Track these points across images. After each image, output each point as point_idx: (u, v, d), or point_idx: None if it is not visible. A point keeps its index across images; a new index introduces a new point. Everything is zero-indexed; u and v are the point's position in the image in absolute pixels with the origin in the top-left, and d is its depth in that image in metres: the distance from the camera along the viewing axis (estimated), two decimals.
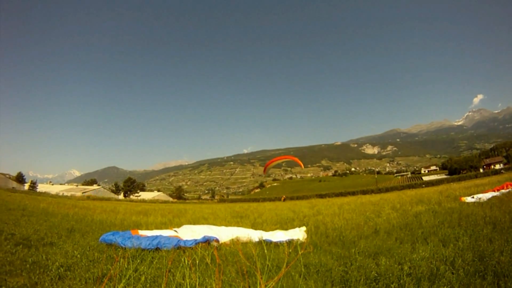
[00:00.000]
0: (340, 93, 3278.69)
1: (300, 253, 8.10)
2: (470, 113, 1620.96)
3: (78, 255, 11.50)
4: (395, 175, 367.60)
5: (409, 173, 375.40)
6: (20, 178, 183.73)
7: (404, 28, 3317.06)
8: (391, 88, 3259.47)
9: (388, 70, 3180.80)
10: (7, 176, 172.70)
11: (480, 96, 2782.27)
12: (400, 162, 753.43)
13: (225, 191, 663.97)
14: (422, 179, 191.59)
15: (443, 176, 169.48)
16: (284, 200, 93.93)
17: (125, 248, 12.74)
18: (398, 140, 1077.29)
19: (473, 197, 24.25)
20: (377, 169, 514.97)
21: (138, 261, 10.72)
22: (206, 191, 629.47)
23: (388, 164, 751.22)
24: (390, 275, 8.51)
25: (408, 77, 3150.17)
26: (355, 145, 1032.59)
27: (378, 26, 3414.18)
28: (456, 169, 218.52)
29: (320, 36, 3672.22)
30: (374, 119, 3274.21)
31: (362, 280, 8.34)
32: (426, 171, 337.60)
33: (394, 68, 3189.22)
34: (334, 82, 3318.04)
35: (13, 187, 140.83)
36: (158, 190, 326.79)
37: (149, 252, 12.38)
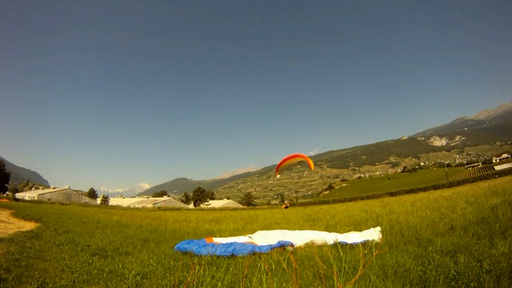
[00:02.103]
0: (403, 86, 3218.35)
1: (374, 253, 7.93)
2: None
3: (154, 264, 11.93)
4: (466, 166, 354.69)
5: (480, 163, 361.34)
6: (92, 194, 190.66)
7: (463, 10, 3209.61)
8: (454, 75, 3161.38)
9: (449, 57, 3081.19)
10: (80, 192, 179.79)
11: None
12: (470, 152, 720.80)
13: (294, 195, 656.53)
14: (494, 168, 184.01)
15: None
16: (286, 207, 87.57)
17: (200, 256, 13.06)
18: (465, 128, 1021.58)
19: None
20: (446, 162, 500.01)
21: (214, 268, 10.89)
22: (275, 196, 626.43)
23: (457, 156, 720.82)
24: (469, 273, 8.25)
25: (469, 61, 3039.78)
26: (422, 138, 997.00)
27: (439, 14, 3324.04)
28: None
29: (379, 32, 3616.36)
30: (439, 109, 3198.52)
31: (441, 279, 8.10)
32: (498, 160, 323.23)
33: (454, 54, 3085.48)
34: (396, 77, 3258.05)
35: (85, 202, 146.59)
36: (228, 198, 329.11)
37: (224, 259, 12.63)
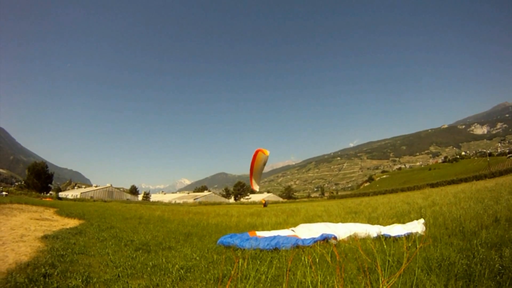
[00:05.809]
0: (442, 72, 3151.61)
1: (418, 246, 7.89)
2: None
3: (197, 258, 12.13)
4: (508, 156, 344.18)
5: None
6: (133, 190, 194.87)
7: None
8: (493, 58, 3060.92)
9: (488, 41, 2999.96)
10: (121, 189, 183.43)
11: None
12: None
13: (334, 187, 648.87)
14: None
15: None
16: (265, 205, 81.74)
17: (243, 250, 13.26)
18: (507, 115, 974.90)
19: None
20: (488, 151, 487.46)
21: (258, 261, 11.02)
22: (315, 189, 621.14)
23: (499, 144, 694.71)
24: None
25: (509, 43, 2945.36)
26: (463, 126, 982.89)
27: None
28: None
29: (415, 23, 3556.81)
30: (479, 94, 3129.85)
31: (486, 273, 7.94)
32: None
33: (493, 38, 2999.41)
34: (434, 63, 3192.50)
35: (127, 199, 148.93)
36: (268, 192, 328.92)
37: (268, 252, 12.76)
